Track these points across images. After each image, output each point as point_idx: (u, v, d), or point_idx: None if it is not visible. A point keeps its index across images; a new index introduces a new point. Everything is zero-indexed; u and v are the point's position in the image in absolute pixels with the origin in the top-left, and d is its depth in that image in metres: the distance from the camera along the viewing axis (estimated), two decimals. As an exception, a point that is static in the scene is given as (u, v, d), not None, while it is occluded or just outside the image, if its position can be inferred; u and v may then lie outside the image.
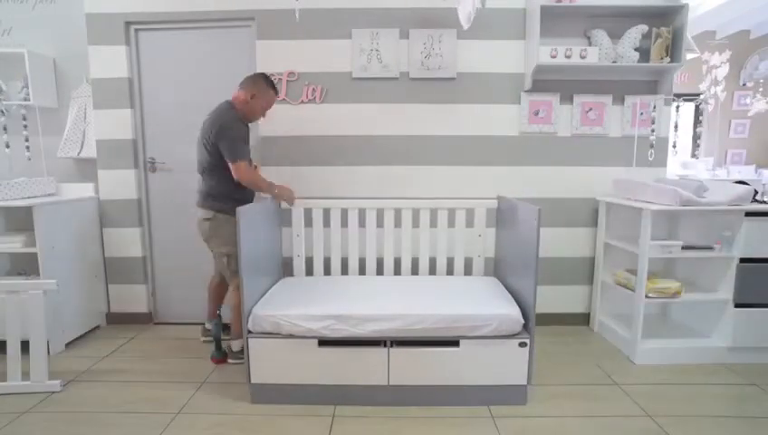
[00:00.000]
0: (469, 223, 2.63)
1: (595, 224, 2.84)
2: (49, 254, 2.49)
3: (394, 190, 2.81)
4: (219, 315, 2.46)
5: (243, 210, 1.95)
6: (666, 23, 2.61)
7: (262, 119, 2.45)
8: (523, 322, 1.94)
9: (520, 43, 2.73)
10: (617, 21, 2.63)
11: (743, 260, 2.32)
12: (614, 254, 2.73)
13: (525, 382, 1.97)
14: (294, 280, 2.51)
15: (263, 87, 2.30)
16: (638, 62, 2.59)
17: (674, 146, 2.77)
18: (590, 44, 2.66)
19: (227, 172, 2.22)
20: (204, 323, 2.68)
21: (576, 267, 2.89)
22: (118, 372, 2.32)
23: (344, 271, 2.67)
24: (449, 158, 2.81)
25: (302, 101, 2.77)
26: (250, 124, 2.37)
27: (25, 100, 2.78)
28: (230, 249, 2.23)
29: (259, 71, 2.73)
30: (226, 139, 2.17)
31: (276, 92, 2.40)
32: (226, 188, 2.26)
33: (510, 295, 2.17)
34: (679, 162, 4.47)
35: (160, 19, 2.75)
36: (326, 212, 2.64)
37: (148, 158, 2.91)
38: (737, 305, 2.35)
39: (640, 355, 2.39)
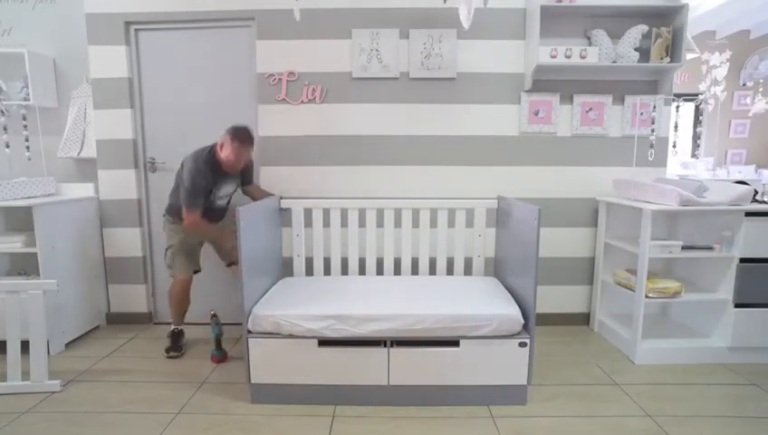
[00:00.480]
0: (469, 223, 2.63)
1: (595, 224, 2.85)
2: (49, 254, 2.49)
3: (394, 190, 2.81)
4: (216, 315, 2.46)
5: (243, 210, 1.95)
6: (666, 23, 2.61)
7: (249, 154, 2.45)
8: (522, 322, 1.94)
9: (520, 43, 2.73)
10: (617, 21, 2.63)
11: (743, 260, 2.32)
12: (614, 254, 2.73)
13: (525, 382, 1.97)
14: (294, 280, 2.51)
15: (228, 139, 2.29)
16: (638, 62, 2.59)
17: (674, 146, 2.77)
18: (590, 44, 2.66)
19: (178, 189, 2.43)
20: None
21: (576, 267, 2.89)
22: (118, 372, 2.32)
23: (344, 271, 2.67)
24: (449, 158, 2.81)
25: (302, 101, 2.77)
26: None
27: (25, 100, 2.78)
28: (167, 244, 2.53)
29: (259, 71, 2.75)
30: (184, 184, 2.32)
31: (242, 142, 2.30)
32: (174, 199, 2.49)
33: (510, 295, 2.17)
34: (679, 162, 4.47)
35: (160, 19, 2.75)
36: (326, 212, 2.64)
37: (148, 158, 2.91)
38: (737, 305, 2.35)
39: (640, 355, 2.39)
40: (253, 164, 2.64)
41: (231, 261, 2.66)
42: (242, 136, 2.31)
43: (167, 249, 2.53)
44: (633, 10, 2.60)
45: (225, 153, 2.31)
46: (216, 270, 2.82)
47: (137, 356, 2.52)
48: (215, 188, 2.41)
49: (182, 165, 2.39)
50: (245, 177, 2.60)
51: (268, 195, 2.65)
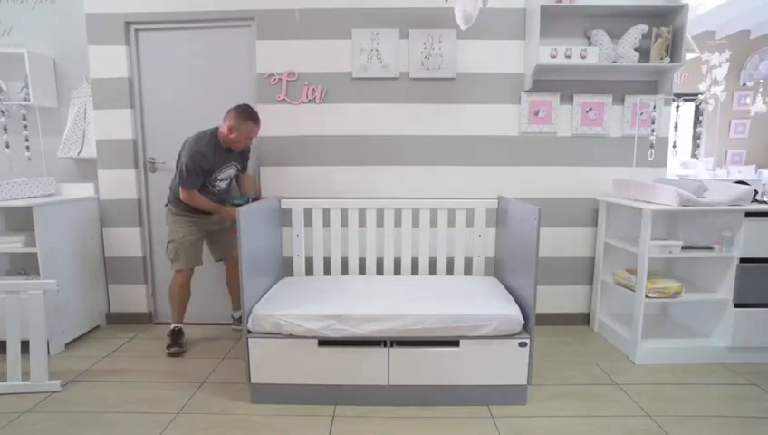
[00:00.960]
0: (469, 223, 2.63)
1: (595, 224, 2.85)
2: (49, 254, 2.49)
3: (394, 190, 2.81)
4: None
5: (243, 210, 1.95)
6: (666, 23, 2.61)
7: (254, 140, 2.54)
8: (523, 322, 1.94)
9: (520, 43, 2.73)
10: (617, 21, 2.63)
11: (743, 260, 2.32)
12: (614, 254, 2.73)
13: (525, 382, 1.97)
14: (294, 280, 2.51)
15: (239, 120, 2.36)
16: (638, 62, 2.59)
17: (674, 146, 2.77)
18: (590, 44, 2.66)
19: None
20: (232, 315, 2.89)
21: (576, 267, 2.89)
22: (118, 372, 2.32)
23: (344, 271, 2.67)
24: (449, 158, 2.81)
25: (302, 101, 2.77)
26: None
27: (25, 100, 2.78)
28: (169, 237, 2.54)
29: (259, 71, 2.75)
30: (182, 163, 2.37)
31: (255, 121, 2.41)
32: (174, 187, 2.51)
33: (510, 295, 2.17)
34: (679, 162, 4.47)
35: (160, 19, 2.75)
36: (326, 212, 2.64)
37: (148, 158, 2.91)
38: (737, 305, 2.35)
39: (640, 355, 2.39)
40: (250, 151, 2.66)
41: (224, 256, 2.72)
42: (253, 114, 2.40)
43: (168, 242, 2.53)
44: (633, 10, 2.60)
45: (241, 134, 2.38)
46: (216, 270, 2.83)
47: (137, 356, 2.52)
48: (216, 171, 2.45)
49: (183, 145, 2.42)
50: (243, 164, 2.63)
51: (255, 188, 2.73)
